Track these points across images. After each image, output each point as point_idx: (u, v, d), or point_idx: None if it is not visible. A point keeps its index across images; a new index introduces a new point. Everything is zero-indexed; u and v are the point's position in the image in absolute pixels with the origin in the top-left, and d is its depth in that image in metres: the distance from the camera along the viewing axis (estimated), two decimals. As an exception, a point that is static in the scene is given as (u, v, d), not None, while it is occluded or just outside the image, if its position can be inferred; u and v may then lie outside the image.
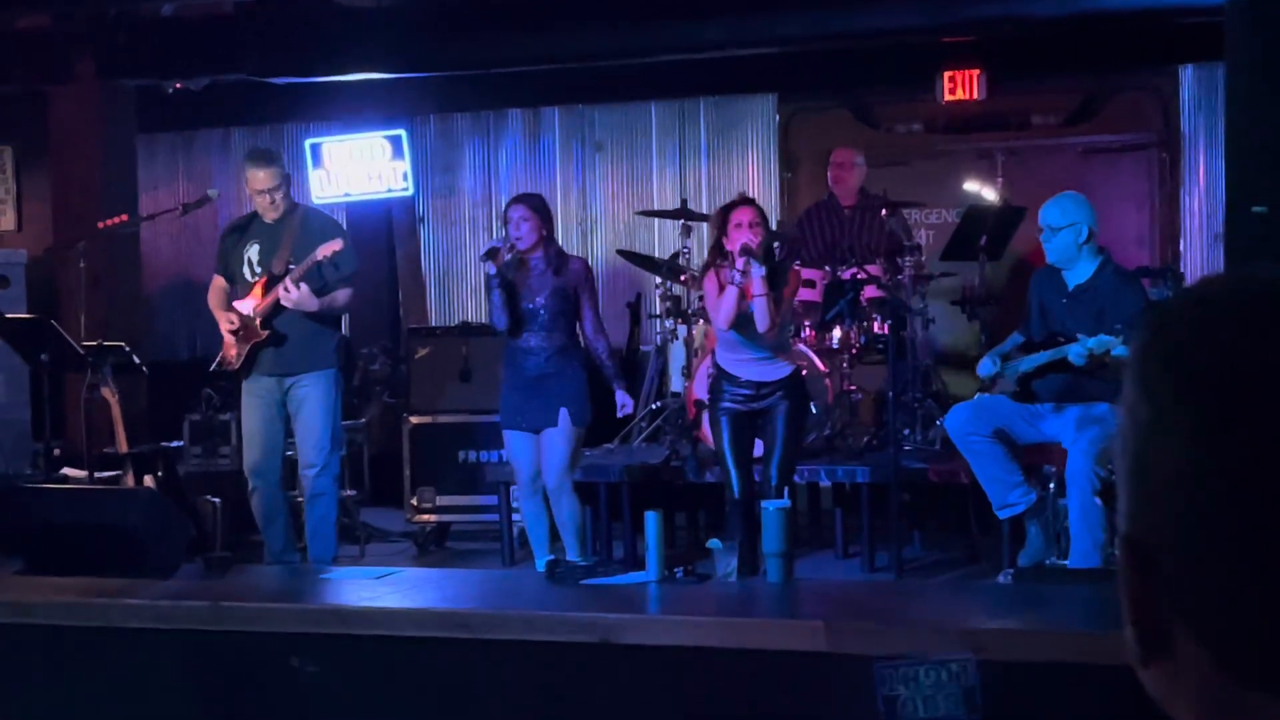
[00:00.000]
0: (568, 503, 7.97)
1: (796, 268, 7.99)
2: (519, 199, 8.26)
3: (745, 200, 7.79)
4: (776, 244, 8.08)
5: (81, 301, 8.87)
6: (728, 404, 7.70)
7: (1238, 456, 0.97)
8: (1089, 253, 7.41)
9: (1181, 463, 0.99)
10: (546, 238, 8.05)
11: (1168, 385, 1.01)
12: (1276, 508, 0.96)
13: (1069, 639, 5.19)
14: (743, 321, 7.57)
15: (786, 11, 9.97)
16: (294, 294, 8.05)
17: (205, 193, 9.39)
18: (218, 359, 8.43)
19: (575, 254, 8.56)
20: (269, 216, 8.35)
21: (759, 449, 7.81)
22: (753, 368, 7.66)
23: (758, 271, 7.41)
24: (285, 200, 8.40)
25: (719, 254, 7.65)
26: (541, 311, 7.96)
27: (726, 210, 7.73)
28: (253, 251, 8.34)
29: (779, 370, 7.68)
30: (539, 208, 8.11)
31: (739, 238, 7.49)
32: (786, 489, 7.56)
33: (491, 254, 7.92)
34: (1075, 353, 7.08)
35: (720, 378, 7.79)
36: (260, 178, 8.30)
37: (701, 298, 9.56)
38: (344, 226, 8.64)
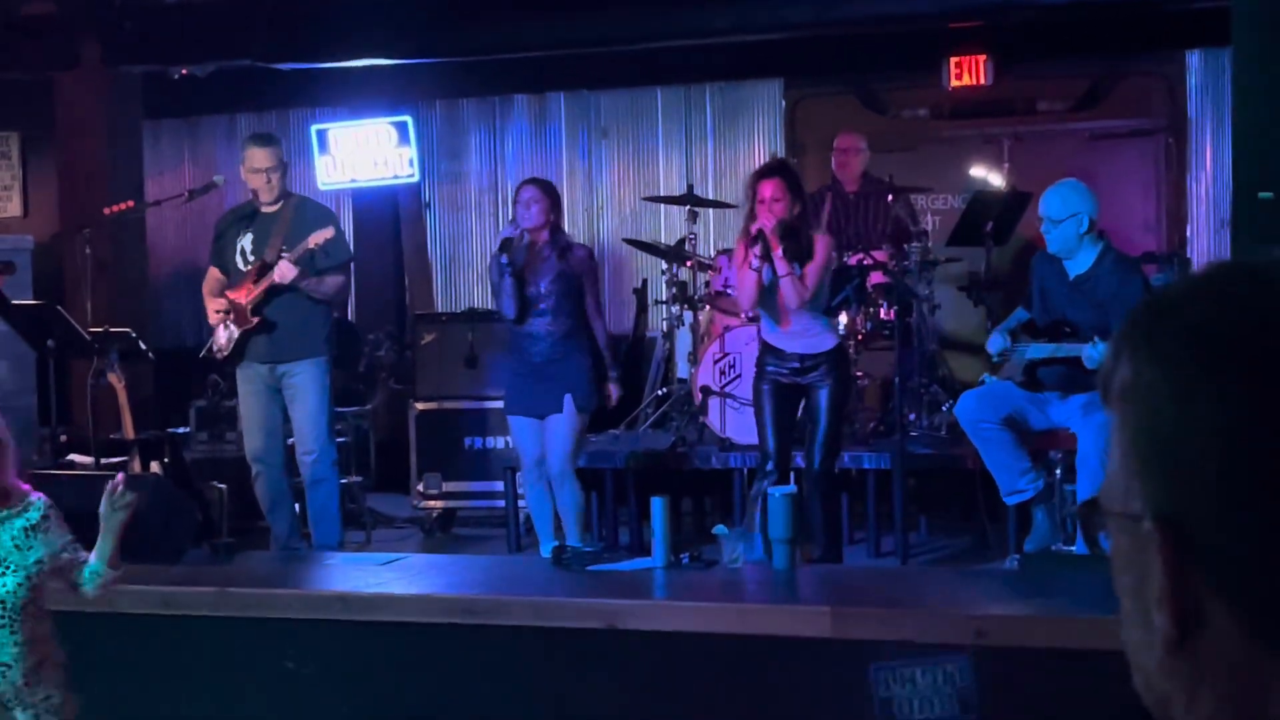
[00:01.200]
0: (570, 489, 7.96)
1: (823, 236, 7.80)
2: (530, 181, 8.29)
3: (770, 170, 7.69)
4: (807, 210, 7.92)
5: (87, 288, 8.87)
6: (771, 376, 7.67)
7: (1272, 416, 0.98)
8: (1089, 241, 7.38)
9: (1214, 430, 1.00)
10: (554, 223, 8.07)
11: (1193, 358, 1.02)
12: None
13: (1075, 625, 5.19)
14: (773, 298, 7.56)
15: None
16: (290, 272, 8.04)
17: (211, 179, 9.39)
18: (208, 345, 8.44)
19: (581, 240, 8.54)
20: (264, 198, 8.35)
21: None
22: (795, 340, 7.61)
23: (775, 253, 7.39)
24: (281, 185, 8.40)
25: (750, 225, 7.62)
26: (545, 297, 7.96)
27: (753, 181, 7.67)
28: (246, 241, 8.34)
29: (823, 343, 7.63)
30: (549, 191, 8.14)
31: (761, 214, 7.46)
32: (821, 475, 7.60)
33: (505, 245, 7.93)
34: (1088, 356, 7.05)
35: (764, 351, 7.75)
36: (259, 156, 8.30)
37: (709, 283, 9.58)
38: (338, 216, 8.62)
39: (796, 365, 7.62)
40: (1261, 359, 0.99)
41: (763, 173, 7.67)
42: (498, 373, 9.32)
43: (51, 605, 4.94)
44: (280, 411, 8.36)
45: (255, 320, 8.18)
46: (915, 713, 5.13)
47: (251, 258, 8.29)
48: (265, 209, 8.37)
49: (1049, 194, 7.47)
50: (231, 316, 8.22)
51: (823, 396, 7.58)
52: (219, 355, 8.35)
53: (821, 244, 7.60)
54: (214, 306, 8.28)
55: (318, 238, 8.05)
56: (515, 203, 8.13)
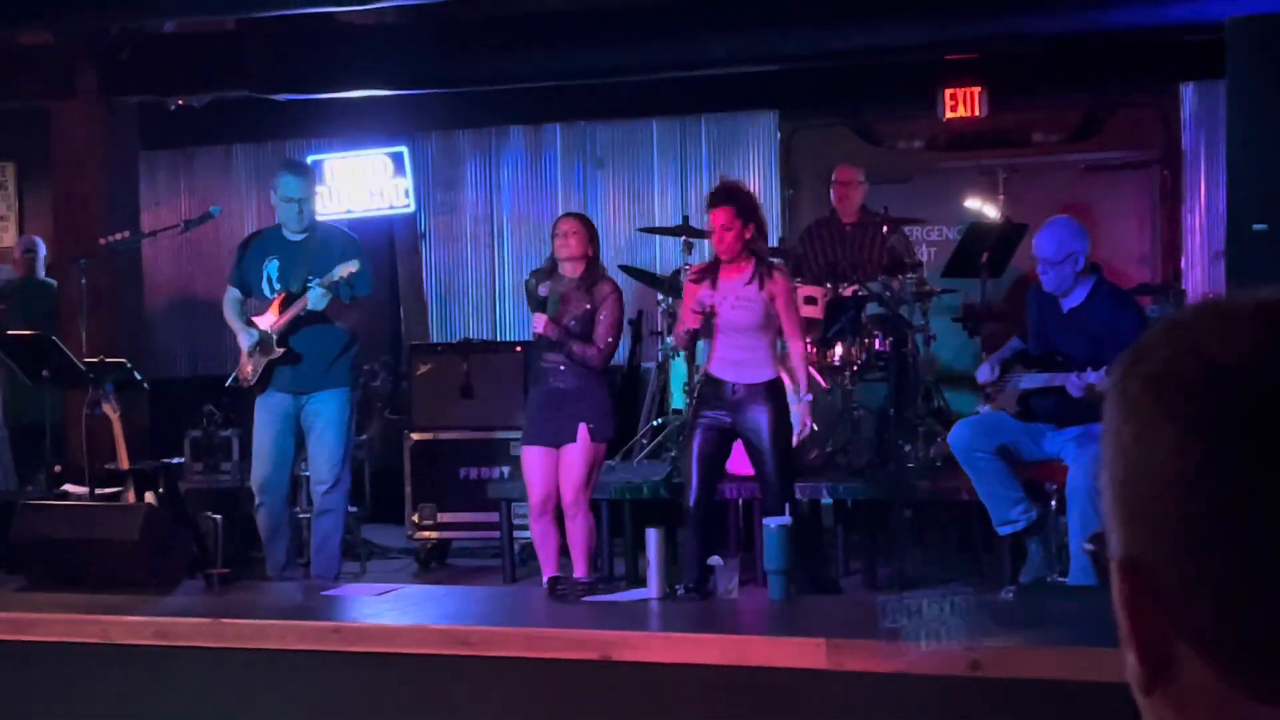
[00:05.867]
0: (583, 521, 7.90)
1: (782, 273, 7.74)
2: (570, 214, 8.32)
3: (718, 198, 7.58)
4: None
5: (83, 318, 8.87)
6: (705, 412, 7.53)
7: (1226, 461, 0.98)
8: (1083, 276, 7.41)
9: (1171, 475, 1.00)
10: (590, 258, 8.00)
11: (1151, 402, 1.02)
12: (1269, 510, 0.96)
13: (1070, 656, 5.18)
14: (710, 324, 7.53)
15: (788, 29, 9.97)
16: (323, 298, 8.05)
17: (207, 210, 9.40)
18: (233, 375, 8.45)
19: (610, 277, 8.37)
20: (293, 227, 8.36)
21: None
22: (734, 369, 7.49)
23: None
24: (310, 214, 8.42)
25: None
26: (571, 332, 7.87)
27: (706, 208, 7.63)
28: (272, 268, 8.36)
29: (760, 374, 7.48)
30: (588, 224, 8.07)
31: (715, 243, 7.49)
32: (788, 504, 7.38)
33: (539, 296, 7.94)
34: (1074, 384, 7.08)
35: (704, 384, 7.64)
36: (293, 185, 8.33)
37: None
38: (361, 247, 8.56)
39: (730, 396, 7.46)
40: (1210, 409, 0.99)
41: (711, 200, 7.59)
42: (496, 403, 9.33)
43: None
44: (294, 444, 8.38)
45: (281, 350, 8.20)
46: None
47: (278, 285, 8.31)
48: (292, 237, 8.38)
49: (1043, 236, 7.47)
50: (258, 347, 8.24)
51: (764, 436, 7.43)
52: (244, 385, 8.36)
53: (779, 281, 7.55)
54: (245, 337, 8.29)
55: (344, 271, 8.06)
56: (553, 236, 8.04)
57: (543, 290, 7.91)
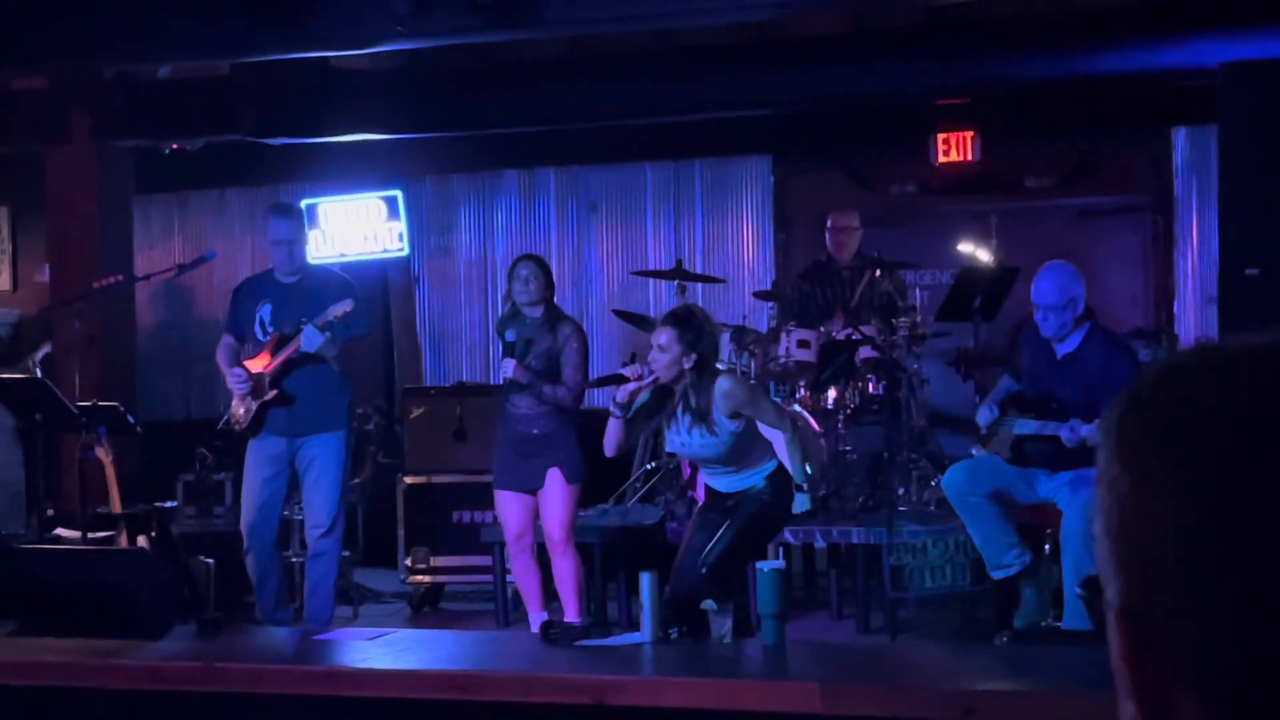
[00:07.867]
0: (570, 562, 7.94)
1: (724, 382, 6.96)
2: (527, 257, 8.31)
3: (665, 319, 7.13)
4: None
5: (76, 361, 8.86)
6: (707, 506, 7.24)
7: (1227, 511, 0.97)
8: (1078, 322, 7.41)
9: (1171, 525, 0.99)
10: (548, 299, 8.09)
11: (1149, 453, 1.02)
12: (1270, 561, 0.96)
13: (1064, 700, 5.17)
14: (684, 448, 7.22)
15: (781, 73, 10.01)
16: (317, 339, 8.02)
17: (202, 254, 9.41)
18: (224, 418, 8.43)
19: (570, 314, 8.51)
20: (285, 270, 8.36)
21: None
22: (721, 479, 7.15)
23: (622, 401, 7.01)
24: (302, 256, 8.43)
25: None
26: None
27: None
28: (265, 311, 8.35)
29: (753, 478, 7.04)
30: (545, 267, 8.18)
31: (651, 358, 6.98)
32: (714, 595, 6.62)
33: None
34: (1066, 436, 7.09)
35: (706, 489, 7.34)
36: (281, 228, 8.35)
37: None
38: (357, 287, 8.50)
39: (727, 504, 7.05)
40: (1211, 457, 0.98)
41: (661, 320, 7.16)
42: (490, 448, 9.33)
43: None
44: (285, 488, 8.36)
45: (274, 393, 8.18)
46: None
47: (270, 329, 8.29)
48: (284, 279, 8.38)
49: (1043, 282, 7.44)
50: (250, 388, 8.22)
51: (741, 511, 6.98)
52: (237, 428, 8.33)
53: (718, 392, 6.88)
54: (233, 379, 8.26)
55: (338, 310, 8.05)
56: (511, 278, 8.12)
57: (510, 335, 7.99)
